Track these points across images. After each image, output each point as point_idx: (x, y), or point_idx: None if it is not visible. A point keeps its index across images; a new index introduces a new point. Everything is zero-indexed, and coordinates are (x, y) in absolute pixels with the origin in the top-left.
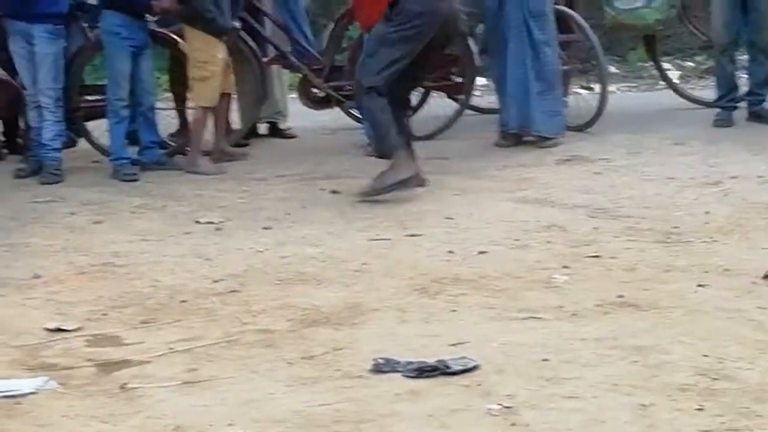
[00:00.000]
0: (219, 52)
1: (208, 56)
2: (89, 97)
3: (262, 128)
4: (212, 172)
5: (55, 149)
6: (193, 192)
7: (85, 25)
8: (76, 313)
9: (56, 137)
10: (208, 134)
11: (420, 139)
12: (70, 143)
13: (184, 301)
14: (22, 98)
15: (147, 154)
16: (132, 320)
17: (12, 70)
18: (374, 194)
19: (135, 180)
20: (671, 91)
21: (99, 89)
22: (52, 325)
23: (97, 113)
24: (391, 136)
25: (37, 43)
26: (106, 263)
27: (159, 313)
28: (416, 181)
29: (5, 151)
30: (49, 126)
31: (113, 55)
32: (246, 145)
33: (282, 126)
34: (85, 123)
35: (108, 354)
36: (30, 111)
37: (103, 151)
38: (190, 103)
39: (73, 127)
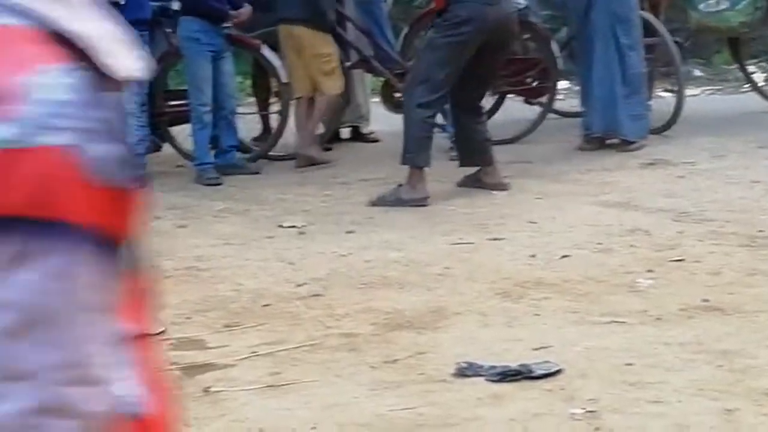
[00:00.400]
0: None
1: (330, 49)
2: (173, 102)
3: (345, 132)
4: (322, 159)
5: (139, 154)
6: (275, 196)
7: (169, 30)
8: (161, 317)
9: (140, 142)
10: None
11: (503, 142)
12: (155, 148)
13: (267, 305)
14: None
15: (225, 158)
16: (215, 324)
17: None
18: (383, 204)
19: (218, 184)
20: (756, 94)
21: (183, 94)
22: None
23: (181, 118)
24: (422, 151)
25: None
26: (189, 267)
27: (242, 316)
28: (424, 202)
29: None
30: (132, 131)
31: (193, 61)
32: (329, 149)
33: (365, 130)
34: (169, 128)
35: (192, 357)
36: None
37: (187, 155)
38: (273, 107)
39: (158, 131)
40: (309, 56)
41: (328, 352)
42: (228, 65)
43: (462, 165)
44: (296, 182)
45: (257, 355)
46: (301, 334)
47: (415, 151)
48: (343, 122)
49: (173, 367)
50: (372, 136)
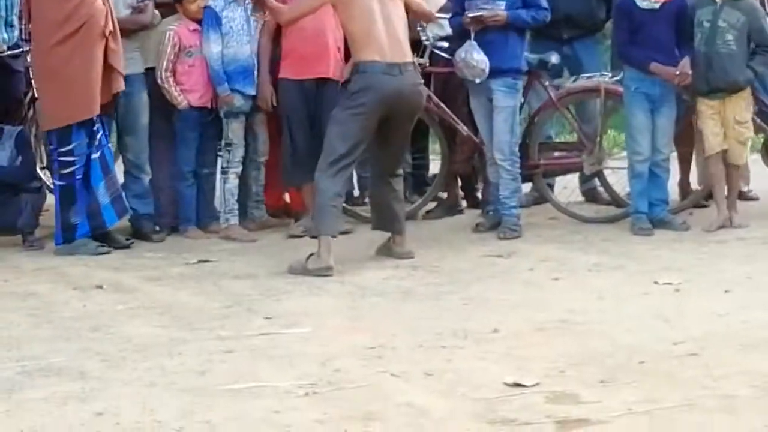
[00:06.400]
0: None
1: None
2: (555, 154)
3: None
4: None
5: (512, 206)
6: (650, 252)
7: (547, 83)
8: (534, 369)
9: (512, 194)
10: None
11: None
12: (539, 200)
13: (642, 362)
14: (482, 154)
15: (653, 211)
16: (590, 379)
17: (474, 127)
18: (294, 273)
19: (649, 234)
20: None
21: (560, 146)
22: (511, 380)
23: (556, 171)
24: (327, 220)
25: (494, 96)
26: (564, 320)
27: (617, 372)
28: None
29: (464, 205)
30: (505, 183)
31: (629, 109)
32: (706, 206)
33: (744, 188)
34: (546, 180)
35: (566, 411)
36: (489, 167)
37: (560, 207)
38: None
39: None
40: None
41: (706, 414)
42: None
43: (373, 228)
44: (671, 239)
45: (633, 412)
46: (677, 393)
47: (323, 222)
48: None
49: (547, 420)
50: (751, 194)
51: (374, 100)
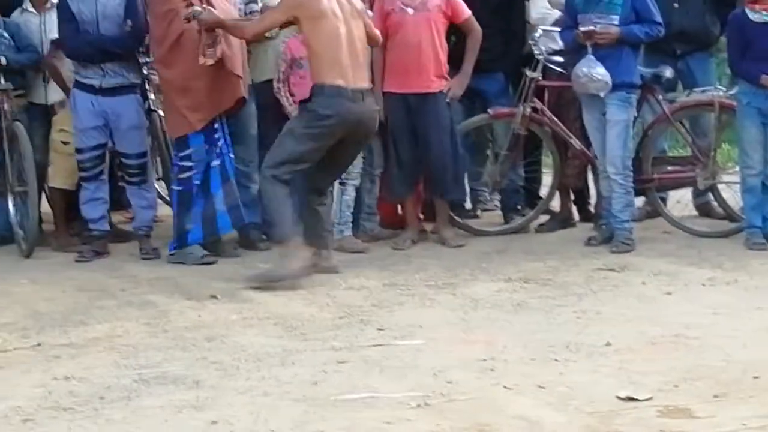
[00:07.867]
0: None
1: None
2: (669, 168)
3: None
4: None
5: (624, 220)
6: (765, 266)
7: (661, 97)
8: (647, 383)
9: (625, 208)
10: None
11: None
12: (652, 214)
13: (757, 377)
14: (595, 167)
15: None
16: (703, 393)
17: (586, 140)
18: (260, 284)
19: (763, 249)
20: None
21: (674, 161)
22: (624, 394)
23: (669, 185)
24: (285, 224)
25: (608, 110)
26: (677, 335)
27: (731, 387)
28: (306, 272)
29: (577, 218)
30: (618, 197)
31: (740, 123)
32: None
33: None
34: (659, 194)
35: (679, 426)
36: (602, 181)
37: (673, 221)
38: None
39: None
40: None
41: None
42: None
43: (306, 245)
44: None
45: (747, 428)
46: None
47: (282, 227)
48: None
49: None
50: None
51: (336, 125)
